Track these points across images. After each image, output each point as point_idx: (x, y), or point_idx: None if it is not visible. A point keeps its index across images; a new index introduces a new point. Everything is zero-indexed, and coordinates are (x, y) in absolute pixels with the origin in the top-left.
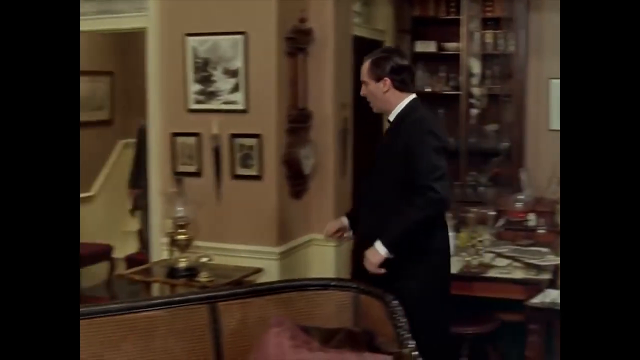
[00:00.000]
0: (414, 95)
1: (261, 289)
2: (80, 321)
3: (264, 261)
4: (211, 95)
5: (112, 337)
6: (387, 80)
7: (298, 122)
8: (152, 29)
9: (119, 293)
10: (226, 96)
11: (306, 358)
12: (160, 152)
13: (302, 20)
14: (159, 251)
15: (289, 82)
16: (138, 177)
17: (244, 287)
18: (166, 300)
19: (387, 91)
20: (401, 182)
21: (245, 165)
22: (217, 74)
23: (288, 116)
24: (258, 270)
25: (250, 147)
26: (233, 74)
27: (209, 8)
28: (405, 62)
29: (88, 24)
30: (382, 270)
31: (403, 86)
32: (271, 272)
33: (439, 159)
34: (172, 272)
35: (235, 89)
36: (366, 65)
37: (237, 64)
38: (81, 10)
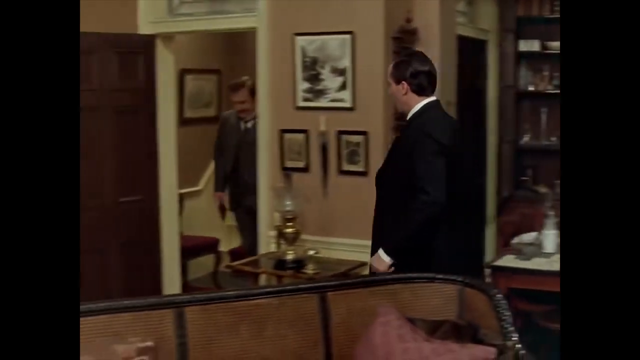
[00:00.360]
0: (431, 99)
1: (369, 281)
2: (196, 307)
3: (368, 255)
4: (319, 93)
5: (226, 323)
6: (405, 84)
7: (403, 120)
8: (262, 29)
9: (223, 285)
10: (334, 94)
11: (412, 347)
12: (269, 148)
13: (408, 20)
14: (267, 244)
15: None
16: (222, 176)
17: (352, 278)
18: (278, 289)
19: (405, 94)
20: (406, 183)
21: (351, 161)
22: (325, 73)
23: (394, 114)
24: (363, 264)
25: (357, 144)
26: (340, 72)
27: (317, 8)
28: (424, 67)
29: (199, 24)
30: (392, 270)
31: (420, 90)
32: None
33: (435, 161)
34: (280, 264)
35: (342, 87)
36: (389, 68)
37: (345, 62)
38: (192, 10)
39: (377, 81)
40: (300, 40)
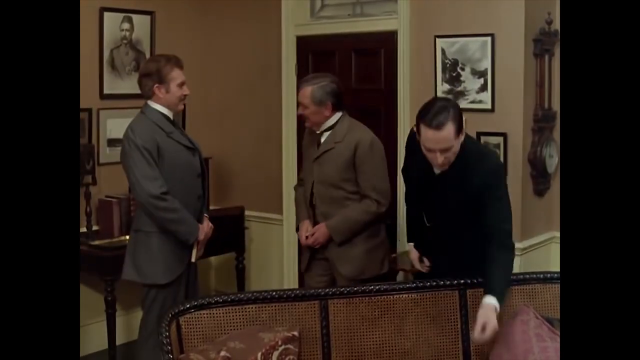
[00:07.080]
0: None
1: (509, 280)
2: (339, 299)
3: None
4: (459, 94)
5: (368, 316)
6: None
7: (543, 122)
8: (402, 31)
9: None
10: (473, 96)
11: (550, 347)
12: None
13: (549, 22)
14: (404, 242)
15: (535, 82)
16: None
17: None
18: (419, 284)
19: None
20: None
21: None
22: (465, 74)
23: (534, 116)
24: None
25: (497, 145)
26: (481, 74)
27: (458, 10)
28: None
29: (340, 26)
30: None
31: None
32: (513, 266)
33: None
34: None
35: (482, 88)
36: None
37: (485, 64)
38: (334, 13)
39: (518, 83)
40: (441, 42)
